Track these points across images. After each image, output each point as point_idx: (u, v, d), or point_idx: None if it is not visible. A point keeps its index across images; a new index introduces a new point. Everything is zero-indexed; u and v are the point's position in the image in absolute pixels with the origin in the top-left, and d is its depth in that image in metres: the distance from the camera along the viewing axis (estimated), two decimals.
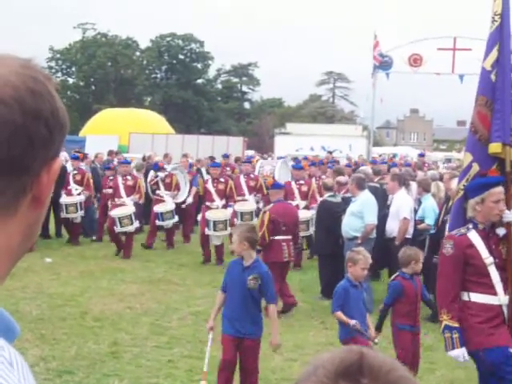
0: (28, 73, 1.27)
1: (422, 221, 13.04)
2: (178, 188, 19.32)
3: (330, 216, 13.36)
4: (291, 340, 10.39)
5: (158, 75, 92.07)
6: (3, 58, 1.28)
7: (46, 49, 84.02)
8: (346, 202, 13.41)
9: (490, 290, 6.50)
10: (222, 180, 17.38)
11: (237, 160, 27.60)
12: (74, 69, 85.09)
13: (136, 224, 17.20)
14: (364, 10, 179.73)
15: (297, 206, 15.63)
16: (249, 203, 18.05)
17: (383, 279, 14.02)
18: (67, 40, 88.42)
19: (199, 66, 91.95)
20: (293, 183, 17.08)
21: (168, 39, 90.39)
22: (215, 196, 17.07)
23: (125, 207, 17.36)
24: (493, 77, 6.98)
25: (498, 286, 6.50)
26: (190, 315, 11.67)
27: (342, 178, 15.00)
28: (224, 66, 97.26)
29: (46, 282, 13.67)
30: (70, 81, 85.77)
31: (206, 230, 16.31)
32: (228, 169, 22.11)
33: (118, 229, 16.91)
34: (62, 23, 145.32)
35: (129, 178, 18.11)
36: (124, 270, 15.35)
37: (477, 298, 6.53)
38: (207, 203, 17.11)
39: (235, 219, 16.99)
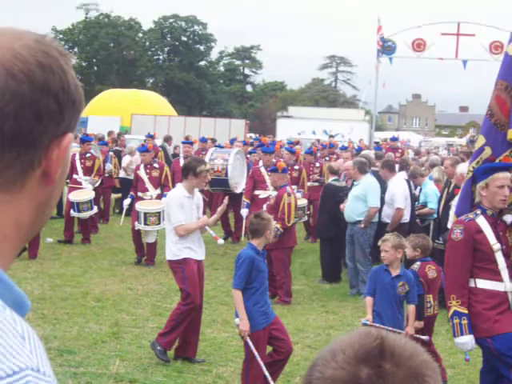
0: (40, 47, 1.28)
1: (424, 206, 13.01)
2: (99, 174, 17.24)
3: (334, 200, 13.35)
4: (292, 323, 10.43)
5: (161, 57, 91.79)
6: (19, 33, 1.29)
7: (48, 29, 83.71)
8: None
9: (496, 276, 6.45)
10: (156, 166, 15.24)
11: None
12: (76, 49, 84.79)
13: None
14: None
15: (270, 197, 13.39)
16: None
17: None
18: (70, 20, 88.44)
19: (202, 48, 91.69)
20: (262, 170, 14.92)
21: (171, 21, 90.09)
22: (148, 184, 14.96)
23: None
24: None
25: (504, 273, 6.45)
26: None
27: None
28: (227, 49, 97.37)
29: (48, 262, 13.70)
30: (73, 61, 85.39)
31: (136, 223, 14.26)
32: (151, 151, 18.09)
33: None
34: (65, 3, 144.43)
35: None
36: (125, 251, 15.35)
37: (483, 284, 6.47)
38: (139, 193, 14.91)
39: None
